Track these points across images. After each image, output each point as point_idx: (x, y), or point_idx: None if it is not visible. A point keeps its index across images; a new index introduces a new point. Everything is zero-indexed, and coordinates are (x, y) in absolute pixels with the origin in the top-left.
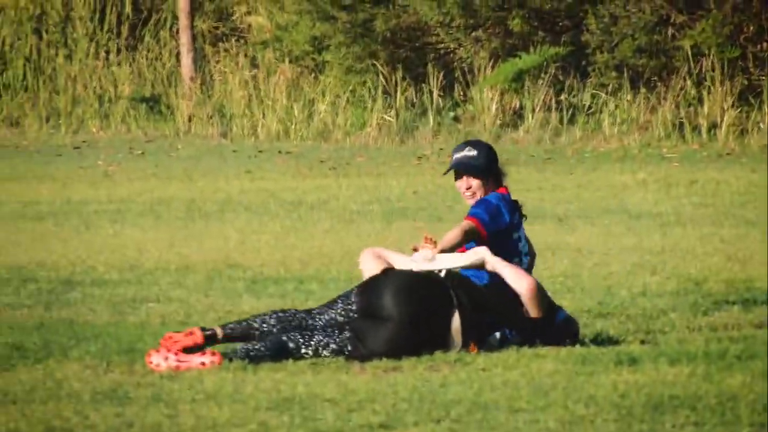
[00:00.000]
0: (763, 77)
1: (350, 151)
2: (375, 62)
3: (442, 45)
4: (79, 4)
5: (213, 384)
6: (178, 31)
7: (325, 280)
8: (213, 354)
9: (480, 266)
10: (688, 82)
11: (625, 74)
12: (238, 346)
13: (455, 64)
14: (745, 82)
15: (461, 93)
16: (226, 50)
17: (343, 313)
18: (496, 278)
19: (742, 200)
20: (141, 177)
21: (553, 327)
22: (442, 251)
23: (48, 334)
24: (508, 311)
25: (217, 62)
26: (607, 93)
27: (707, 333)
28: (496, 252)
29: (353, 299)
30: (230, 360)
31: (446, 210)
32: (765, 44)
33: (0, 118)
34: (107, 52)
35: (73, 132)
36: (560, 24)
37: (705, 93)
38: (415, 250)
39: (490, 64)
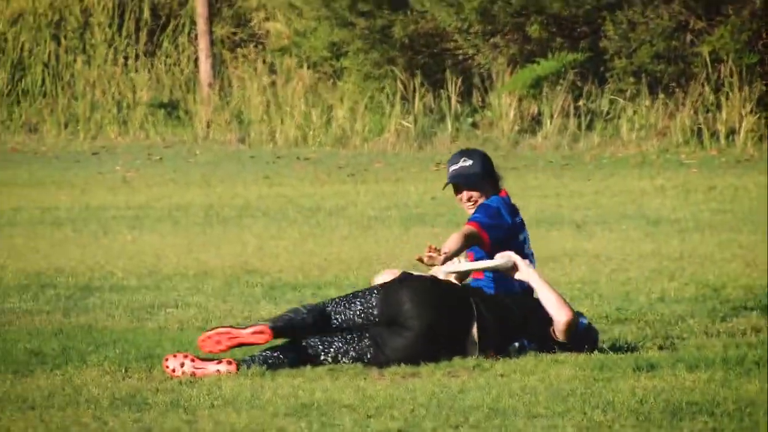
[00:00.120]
0: None
1: (368, 157)
2: (393, 68)
3: (461, 51)
4: (97, 9)
5: (231, 390)
6: (196, 37)
7: (343, 286)
8: (229, 363)
9: (506, 270)
10: (707, 88)
11: (644, 80)
12: (256, 352)
13: (473, 70)
14: (764, 88)
15: (479, 99)
16: (244, 56)
17: (362, 315)
18: (502, 288)
19: (761, 206)
20: (159, 183)
21: (575, 339)
22: (446, 258)
23: (66, 339)
24: (530, 325)
25: (236, 68)
26: (625, 99)
27: (725, 339)
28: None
29: (374, 303)
30: (248, 367)
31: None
32: None
33: (19, 124)
34: (126, 58)
35: (91, 138)
36: (578, 30)
37: (723, 99)
38: (420, 260)
39: (509, 70)
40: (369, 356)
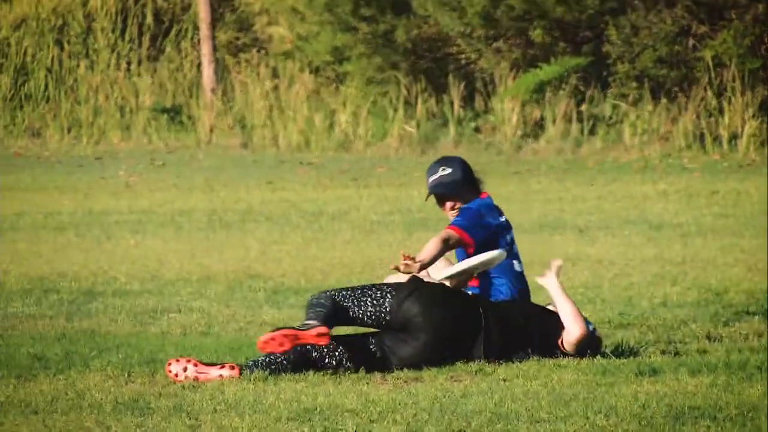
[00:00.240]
0: None
1: (371, 162)
2: (396, 73)
3: (463, 56)
4: (100, 15)
5: (234, 394)
6: (199, 42)
7: None
8: (232, 367)
9: (490, 263)
10: (709, 93)
11: (646, 85)
12: (260, 357)
13: (476, 74)
14: (766, 93)
15: (482, 103)
16: (247, 61)
17: (373, 317)
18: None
19: (763, 210)
20: (162, 188)
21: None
22: (423, 266)
23: (69, 344)
24: (532, 333)
25: (238, 73)
26: (627, 103)
27: (728, 343)
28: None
29: (387, 309)
30: (250, 371)
31: None
32: None
33: (22, 129)
34: (128, 63)
35: (94, 143)
36: (581, 35)
37: (726, 104)
38: (397, 269)
39: (511, 74)
40: (374, 362)
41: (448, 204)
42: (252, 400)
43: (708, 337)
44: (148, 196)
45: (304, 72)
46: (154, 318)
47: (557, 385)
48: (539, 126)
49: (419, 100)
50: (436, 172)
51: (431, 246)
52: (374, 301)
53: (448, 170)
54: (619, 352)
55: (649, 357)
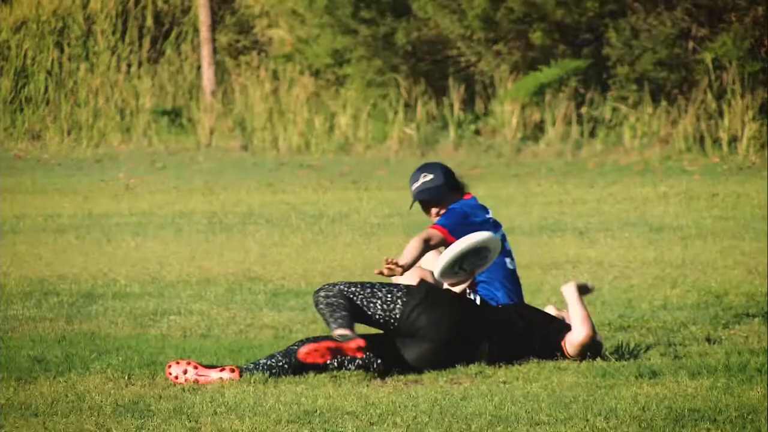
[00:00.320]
0: None
1: (371, 165)
2: (396, 75)
3: (463, 58)
4: (100, 17)
5: (234, 397)
6: (199, 45)
7: None
8: (232, 370)
9: (484, 249)
10: (709, 96)
11: (646, 87)
12: (261, 360)
13: (476, 77)
14: (766, 96)
15: (482, 106)
16: (247, 63)
17: (382, 319)
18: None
19: (763, 213)
20: (162, 190)
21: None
22: (405, 268)
23: (70, 346)
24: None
25: (238, 75)
26: (627, 106)
27: (728, 346)
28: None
29: (396, 314)
30: (250, 374)
31: None
32: None
33: (22, 132)
34: (129, 66)
35: (94, 145)
36: (581, 37)
37: (726, 106)
38: (381, 273)
39: (511, 77)
40: (376, 366)
41: (434, 210)
42: (252, 402)
43: (708, 340)
44: (148, 199)
45: (304, 74)
46: (154, 320)
47: (557, 388)
48: (539, 128)
49: (419, 103)
50: (418, 180)
51: (411, 248)
52: (384, 305)
53: (430, 176)
54: (619, 354)
55: (649, 359)
